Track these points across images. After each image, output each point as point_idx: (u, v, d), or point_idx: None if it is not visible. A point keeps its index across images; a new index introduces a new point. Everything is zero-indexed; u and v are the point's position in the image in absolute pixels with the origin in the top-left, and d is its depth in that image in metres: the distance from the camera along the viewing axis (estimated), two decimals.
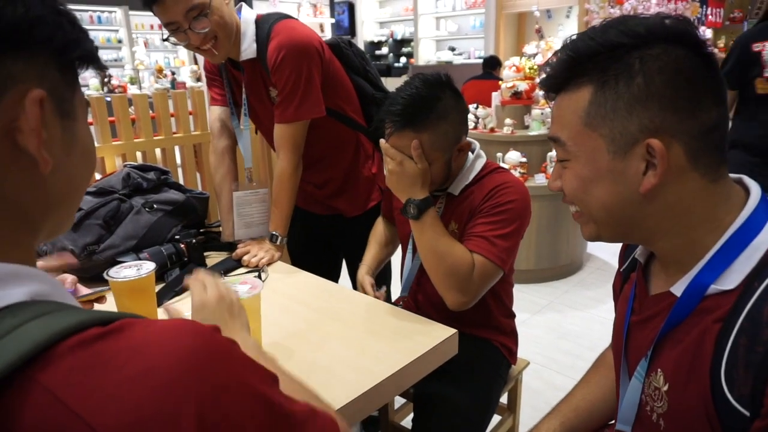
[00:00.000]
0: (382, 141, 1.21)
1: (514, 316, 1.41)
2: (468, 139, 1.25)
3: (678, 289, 0.67)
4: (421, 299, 1.35)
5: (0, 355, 0.34)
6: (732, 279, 0.62)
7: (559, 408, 0.98)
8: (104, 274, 1.06)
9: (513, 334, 1.41)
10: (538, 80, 3.50)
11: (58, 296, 0.41)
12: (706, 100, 0.63)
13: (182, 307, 0.91)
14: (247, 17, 1.50)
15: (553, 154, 3.17)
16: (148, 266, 1.07)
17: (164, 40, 1.45)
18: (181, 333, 0.38)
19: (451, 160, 1.23)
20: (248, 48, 1.48)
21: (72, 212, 0.49)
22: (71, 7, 0.42)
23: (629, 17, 0.67)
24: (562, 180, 0.73)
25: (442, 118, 1.16)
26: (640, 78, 0.63)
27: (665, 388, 0.68)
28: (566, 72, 0.68)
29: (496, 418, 1.48)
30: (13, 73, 0.40)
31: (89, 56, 0.46)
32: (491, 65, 5.48)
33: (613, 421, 0.92)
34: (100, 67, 0.49)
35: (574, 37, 0.69)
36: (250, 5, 1.57)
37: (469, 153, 1.29)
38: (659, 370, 0.69)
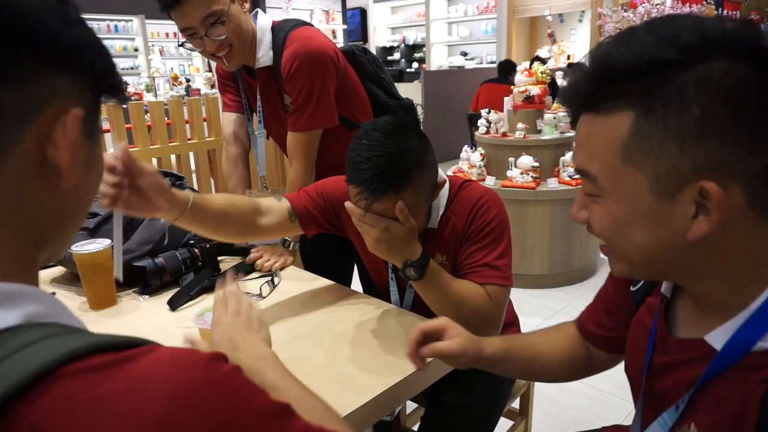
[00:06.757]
0: (350, 207, 1.05)
1: (510, 302, 1.40)
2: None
3: (716, 339, 0.59)
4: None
5: None
6: None
7: (508, 337, 0.98)
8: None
9: (517, 322, 1.40)
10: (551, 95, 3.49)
11: (57, 316, 0.40)
12: None
13: (198, 308, 0.93)
14: (263, 24, 1.52)
15: (566, 158, 3.16)
16: (105, 242, 1.28)
17: (180, 45, 1.47)
18: (181, 366, 0.37)
19: (432, 201, 1.17)
20: (264, 56, 1.50)
21: (73, 234, 0.50)
22: (90, 15, 0.44)
23: (678, 18, 0.53)
24: (590, 214, 0.63)
25: (420, 167, 1.05)
26: (696, 108, 0.51)
27: None
28: (596, 90, 0.56)
29: (508, 423, 1.48)
30: (58, 89, 0.42)
31: (117, 87, 0.49)
32: (507, 69, 5.47)
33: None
34: (123, 100, 0.51)
35: (606, 42, 0.55)
36: (264, 11, 1.59)
37: None
38: (692, 424, 0.62)
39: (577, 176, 3.07)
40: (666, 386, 0.67)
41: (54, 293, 1.34)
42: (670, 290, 0.70)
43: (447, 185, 1.21)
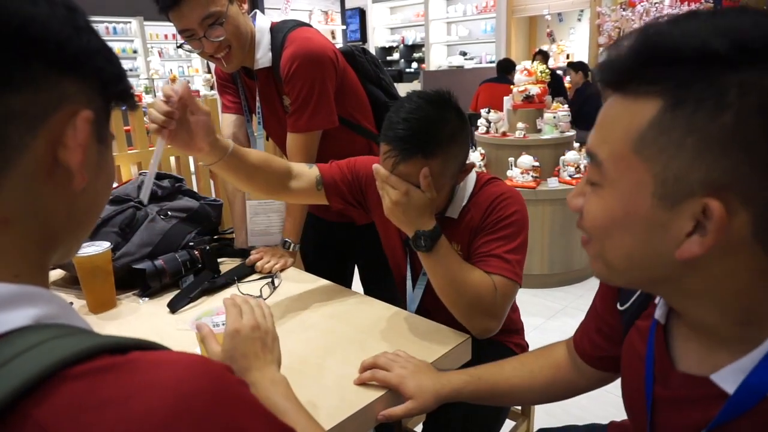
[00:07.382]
0: (377, 167, 1.08)
1: (517, 309, 1.40)
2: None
3: (725, 380, 0.55)
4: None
5: None
6: None
7: (479, 372, 0.97)
8: None
9: (522, 330, 1.40)
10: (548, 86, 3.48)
11: (66, 318, 0.40)
12: None
13: (196, 312, 0.92)
14: (262, 25, 1.51)
15: (566, 158, 3.15)
16: (104, 245, 1.27)
17: (178, 47, 1.47)
18: (189, 373, 0.36)
19: (456, 184, 1.18)
20: (263, 57, 1.50)
21: (84, 237, 0.51)
22: (88, 18, 0.45)
23: (751, 11, 0.47)
24: (585, 203, 0.57)
25: (453, 141, 1.07)
26: (729, 115, 0.45)
27: None
28: (634, 69, 0.50)
29: (510, 423, 1.47)
30: (67, 93, 0.43)
31: (127, 93, 0.50)
32: (506, 69, 5.46)
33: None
34: (133, 106, 0.52)
35: (663, 20, 0.49)
36: (262, 12, 1.58)
37: None
38: None
39: (577, 176, 3.08)
40: (672, 422, 0.64)
41: (71, 303, 1.33)
42: (665, 317, 0.65)
43: (474, 177, 1.22)
